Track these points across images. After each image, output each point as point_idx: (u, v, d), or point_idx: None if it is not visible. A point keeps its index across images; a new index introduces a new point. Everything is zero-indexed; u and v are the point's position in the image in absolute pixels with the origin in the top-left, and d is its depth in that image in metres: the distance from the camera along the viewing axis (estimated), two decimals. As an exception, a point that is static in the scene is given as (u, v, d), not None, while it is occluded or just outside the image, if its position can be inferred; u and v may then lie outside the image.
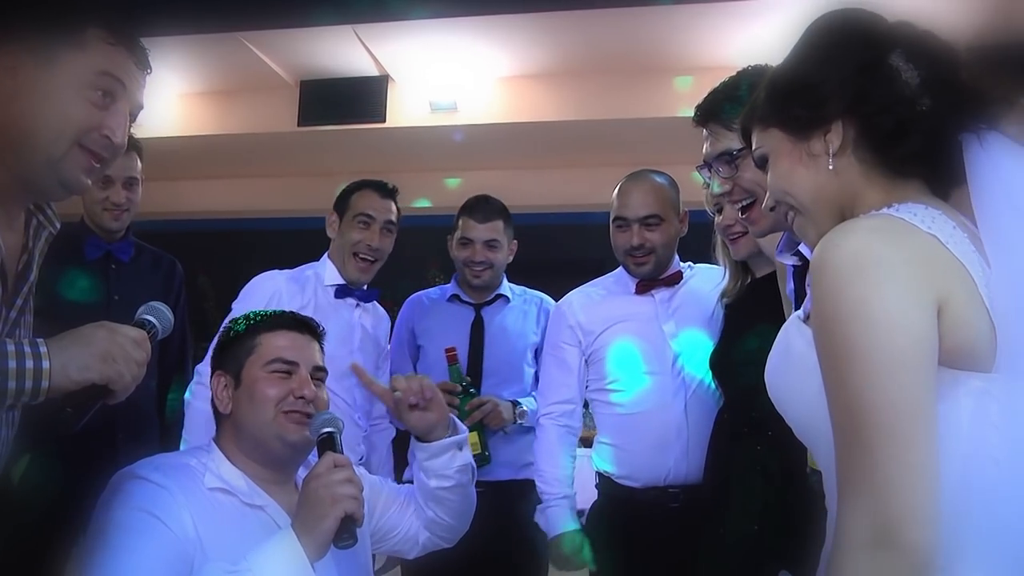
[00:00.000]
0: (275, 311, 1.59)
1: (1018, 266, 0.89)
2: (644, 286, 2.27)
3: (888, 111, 0.96)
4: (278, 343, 1.49)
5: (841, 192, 1.00)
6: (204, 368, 2.10)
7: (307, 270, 2.50)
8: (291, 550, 1.21)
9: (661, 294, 2.26)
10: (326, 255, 2.54)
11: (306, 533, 1.23)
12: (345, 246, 2.45)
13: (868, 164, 0.99)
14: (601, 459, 2.26)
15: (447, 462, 1.59)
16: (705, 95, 1.69)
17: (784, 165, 1.04)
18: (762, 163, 1.09)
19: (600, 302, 2.31)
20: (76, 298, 2.25)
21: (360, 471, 1.49)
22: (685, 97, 4.13)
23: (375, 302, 2.62)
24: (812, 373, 0.90)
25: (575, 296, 2.37)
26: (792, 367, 1.00)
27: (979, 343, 0.88)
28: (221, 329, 1.61)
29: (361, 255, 2.44)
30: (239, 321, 1.56)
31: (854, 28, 1.01)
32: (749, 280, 2.06)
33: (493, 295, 2.67)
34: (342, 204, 2.51)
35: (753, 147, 1.10)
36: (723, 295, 2.09)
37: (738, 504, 1.89)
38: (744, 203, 1.59)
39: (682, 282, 2.28)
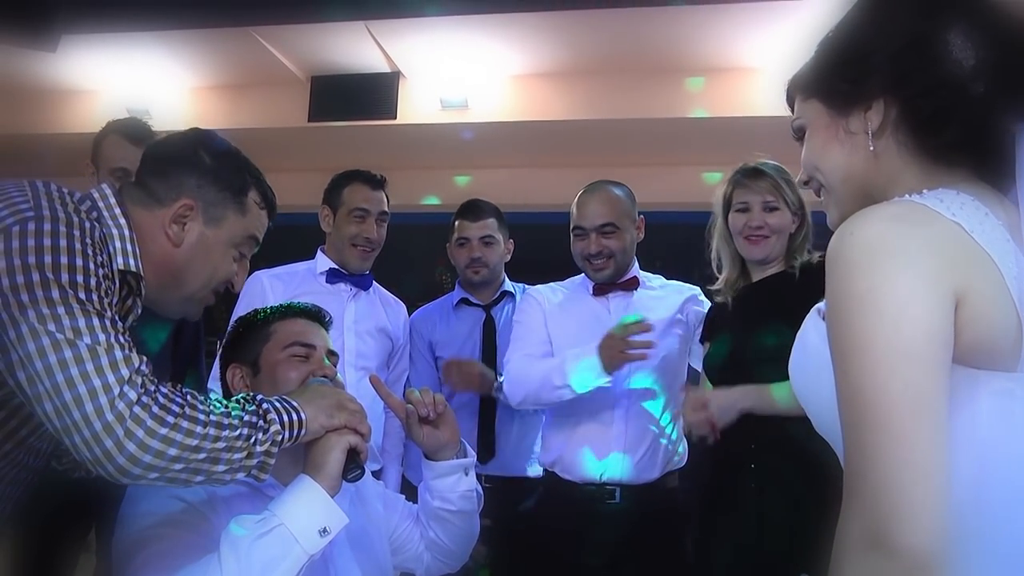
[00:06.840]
0: (284, 303, 1.62)
1: None
2: (601, 289, 2.32)
3: (930, 94, 0.86)
4: (293, 328, 1.53)
5: (875, 175, 0.93)
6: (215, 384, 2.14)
7: (298, 266, 2.58)
8: (309, 489, 1.23)
9: (616, 300, 2.32)
10: (320, 251, 2.61)
11: (316, 471, 1.25)
12: (343, 239, 2.53)
13: (907, 149, 0.91)
14: (545, 452, 2.32)
15: (452, 484, 1.59)
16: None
17: (819, 139, 0.97)
18: (800, 135, 1.02)
19: (560, 300, 2.39)
20: None
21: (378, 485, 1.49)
22: (697, 98, 4.11)
23: (385, 292, 2.67)
24: (825, 369, 0.86)
25: (543, 287, 2.47)
26: (808, 363, 0.96)
27: (1003, 340, 0.81)
28: (229, 329, 1.62)
29: (360, 246, 2.52)
30: (247, 316, 1.59)
31: None
32: (742, 283, 2.06)
33: (498, 293, 2.73)
34: (334, 198, 2.57)
35: (793, 117, 1.03)
36: (725, 286, 2.10)
37: (743, 505, 1.90)
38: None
39: (638, 288, 2.33)
